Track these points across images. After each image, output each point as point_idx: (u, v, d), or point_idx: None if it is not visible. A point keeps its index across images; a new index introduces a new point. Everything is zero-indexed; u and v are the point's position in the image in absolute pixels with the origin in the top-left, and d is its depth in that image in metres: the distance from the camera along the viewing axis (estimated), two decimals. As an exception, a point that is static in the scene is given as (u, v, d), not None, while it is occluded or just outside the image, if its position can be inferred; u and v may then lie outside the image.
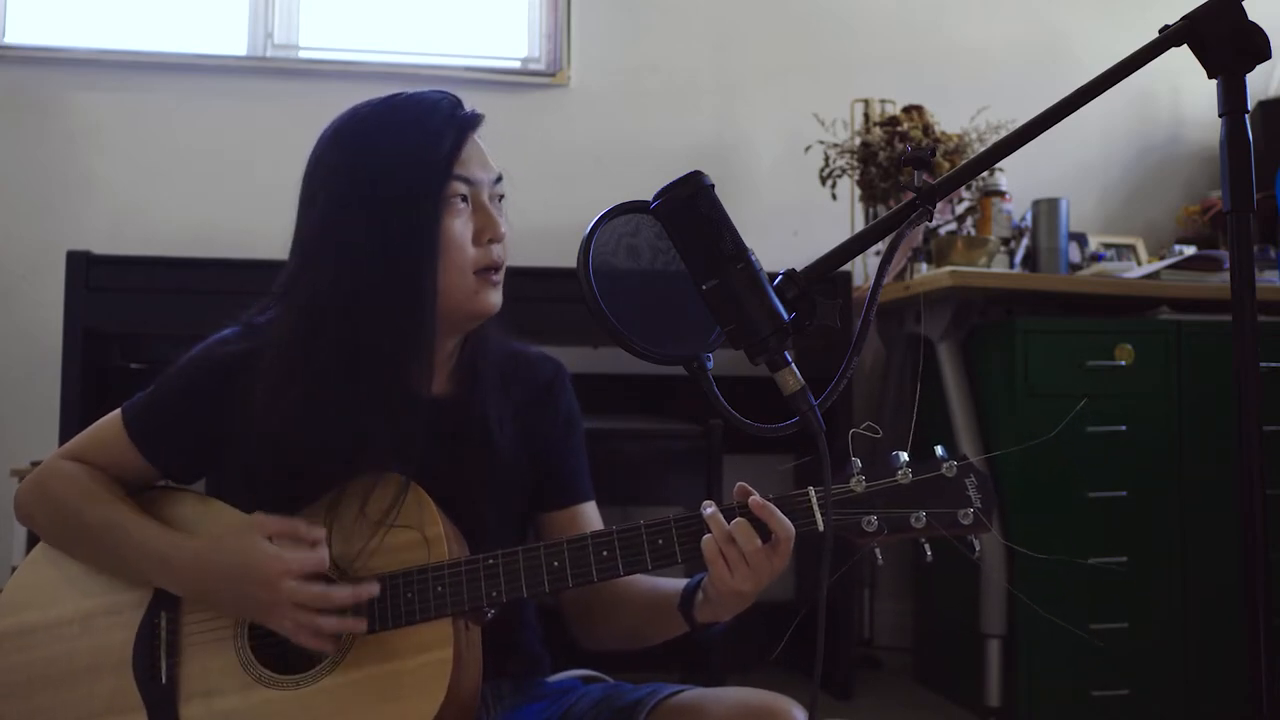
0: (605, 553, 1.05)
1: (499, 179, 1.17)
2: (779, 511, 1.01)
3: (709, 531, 1.02)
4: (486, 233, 1.13)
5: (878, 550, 1.05)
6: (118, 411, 1.18)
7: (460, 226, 1.11)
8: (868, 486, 1.04)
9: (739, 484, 1.05)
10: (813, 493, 1.04)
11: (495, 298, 1.15)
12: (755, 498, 1.02)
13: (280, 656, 1.09)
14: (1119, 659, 2.21)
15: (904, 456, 1.05)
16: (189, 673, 1.09)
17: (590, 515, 1.26)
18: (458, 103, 1.15)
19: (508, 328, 1.24)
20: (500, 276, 1.16)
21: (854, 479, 1.04)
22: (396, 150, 1.10)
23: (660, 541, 1.05)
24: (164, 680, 1.09)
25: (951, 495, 1.03)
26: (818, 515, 1.02)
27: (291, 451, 1.08)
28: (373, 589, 1.05)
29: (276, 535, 1.05)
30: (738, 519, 1.01)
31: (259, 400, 1.09)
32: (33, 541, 1.15)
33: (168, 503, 1.17)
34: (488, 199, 1.14)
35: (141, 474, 1.17)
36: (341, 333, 1.09)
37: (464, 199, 1.12)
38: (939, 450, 1.06)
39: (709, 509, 1.03)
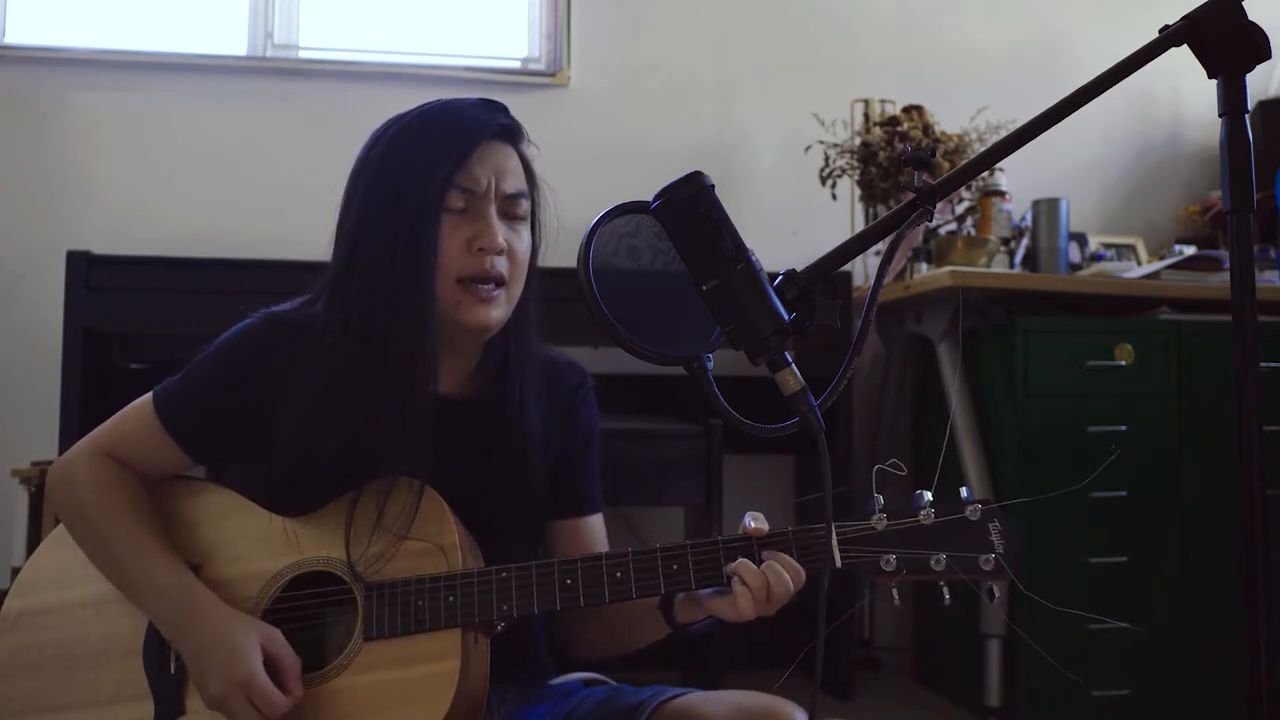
0: (619, 574, 1.05)
1: (519, 194, 1.14)
2: (791, 561, 1.02)
3: (728, 562, 1.02)
4: (476, 241, 1.11)
5: (894, 590, 1.04)
6: (148, 399, 1.18)
7: (448, 235, 1.10)
8: (889, 525, 1.02)
9: (754, 525, 1.05)
10: (832, 530, 1.03)
11: (482, 313, 1.12)
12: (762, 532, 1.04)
13: None
14: (1119, 659, 2.21)
15: (927, 496, 1.04)
16: None
17: (595, 529, 1.26)
18: (490, 111, 1.14)
19: (543, 332, 1.23)
20: (495, 291, 1.12)
21: (875, 516, 1.03)
22: (406, 158, 1.11)
23: (675, 567, 1.04)
24: (172, 670, 1.09)
25: (974, 539, 1.02)
26: (836, 554, 1.02)
27: (310, 447, 1.09)
28: None
29: (273, 659, 1.04)
30: (770, 564, 1.01)
31: (289, 390, 1.10)
32: (33, 542, 1.15)
33: (192, 494, 1.17)
34: (493, 210, 1.12)
35: (171, 460, 1.17)
36: (357, 334, 1.10)
37: (461, 208, 1.11)
38: (964, 492, 1.05)
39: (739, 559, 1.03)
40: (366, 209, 1.12)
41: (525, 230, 1.16)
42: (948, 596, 1.03)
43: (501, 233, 1.12)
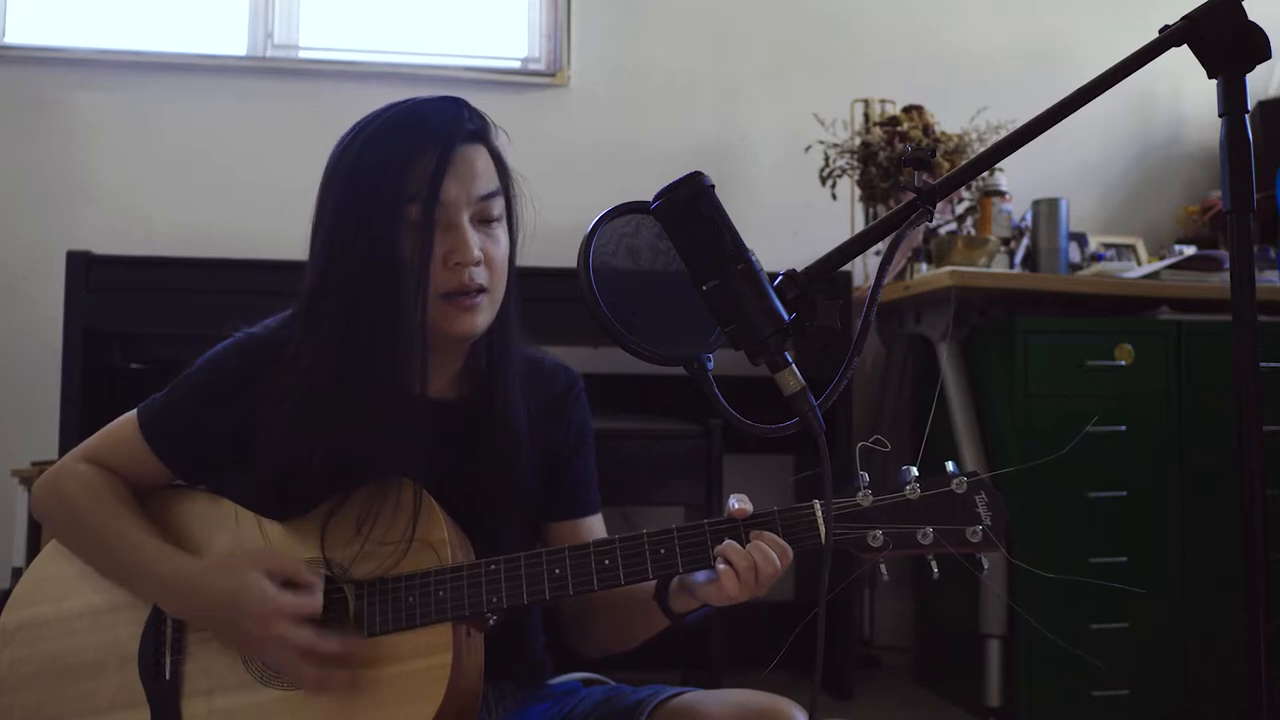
0: (607, 561, 1.05)
1: (491, 194, 1.12)
2: (778, 540, 1.02)
3: (716, 544, 1.02)
4: (453, 256, 1.09)
5: (882, 566, 1.04)
6: (133, 413, 1.18)
7: (422, 252, 1.07)
8: (874, 501, 1.02)
9: (739, 505, 1.05)
10: (817, 506, 1.03)
11: (467, 322, 1.11)
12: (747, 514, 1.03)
13: None
14: (1119, 659, 2.21)
15: (914, 471, 1.04)
16: (192, 670, 1.09)
17: (595, 527, 1.26)
18: (455, 112, 1.11)
19: (528, 332, 1.22)
20: (478, 300, 1.11)
21: (861, 493, 1.03)
22: (376, 170, 1.08)
23: (662, 551, 1.04)
24: (167, 677, 1.09)
25: (960, 512, 1.02)
26: (822, 530, 1.02)
27: (297, 458, 1.08)
28: (361, 648, 1.05)
29: (277, 572, 1.04)
30: (756, 543, 1.01)
31: (270, 406, 1.10)
32: (33, 542, 1.15)
33: (180, 501, 1.18)
34: (466, 219, 1.10)
35: (156, 476, 1.18)
36: (339, 343, 1.09)
37: (434, 221, 1.08)
38: (950, 466, 1.04)
39: (725, 540, 1.03)
40: (338, 224, 1.10)
41: (501, 232, 1.14)
42: (935, 570, 1.02)
43: (476, 242, 1.09)
